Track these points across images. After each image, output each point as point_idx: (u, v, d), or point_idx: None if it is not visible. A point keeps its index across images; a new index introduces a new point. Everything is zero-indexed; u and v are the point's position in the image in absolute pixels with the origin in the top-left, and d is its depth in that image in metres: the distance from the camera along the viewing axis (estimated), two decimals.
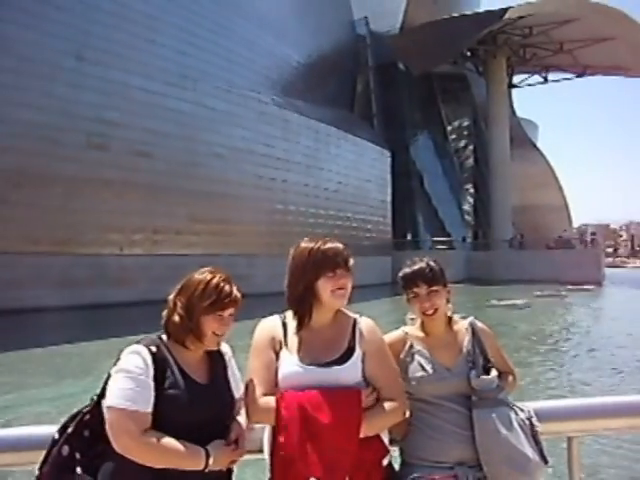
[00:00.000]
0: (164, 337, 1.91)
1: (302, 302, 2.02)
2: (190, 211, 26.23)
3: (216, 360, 1.98)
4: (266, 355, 2.01)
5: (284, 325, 2.06)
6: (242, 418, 1.97)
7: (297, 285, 2.02)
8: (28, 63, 20.35)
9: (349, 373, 1.96)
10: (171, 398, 1.80)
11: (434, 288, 2.19)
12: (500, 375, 2.17)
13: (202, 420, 1.82)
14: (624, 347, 13.73)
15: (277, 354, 2.01)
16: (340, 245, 2.05)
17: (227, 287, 1.91)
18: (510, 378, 2.26)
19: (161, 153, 25.02)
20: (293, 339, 2.03)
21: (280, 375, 1.97)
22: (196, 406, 1.82)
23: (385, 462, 1.97)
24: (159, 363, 1.82)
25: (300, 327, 2.03)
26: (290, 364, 1.98)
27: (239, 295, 1.93)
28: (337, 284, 2.00)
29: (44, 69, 20.98)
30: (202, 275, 1.91)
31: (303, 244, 2.05)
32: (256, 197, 30.35)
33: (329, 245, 2.04)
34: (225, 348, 2.04)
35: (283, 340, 2.03)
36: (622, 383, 9.92)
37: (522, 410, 2.13)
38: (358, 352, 2.01)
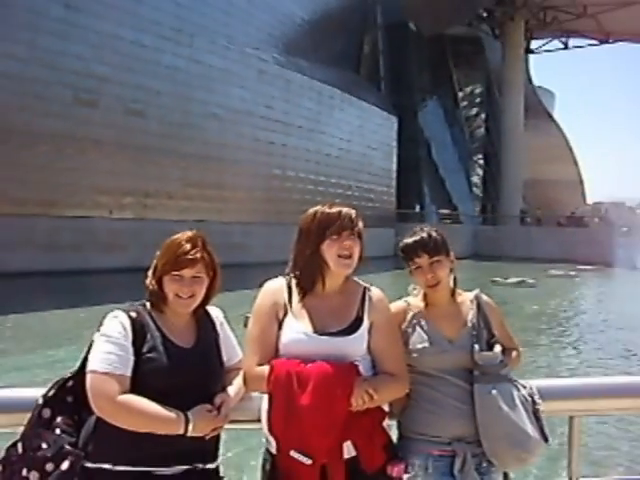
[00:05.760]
0: (148, 304, 1.97)
1: (309, 267, 2.01)
2: (183, 174, 26.27)
3: (204, 324, 2.01)
4: (266, 321, 1.99)
5: (289, 289, 2.05)
6: (235, 385, 1.98)
7: (304, 250, 2.03)
8: (9, 10, 19.96)
9: (355, 345, 1.96)
10: (150, 361, 1.84)
11: (436, 258, 2.19)
12: (504, 351, 2.17)
13: (183, 384, 1.84)
14: (635, 329, 13.89)
15: (280, 320, 2.00)
16: (348, 209, 2.09)
17: (187, 246, 1.91)
18: (514, 354, 2.27)
19: (154, 112, 24.99)
20: (298, 305, 2.01)
21: (282, 342, 1.97)
22: (176, 370, 1.85)
23: (385, 424, 2.01)
24: (138, 328, 1.87)
25: (307, 293, 2.03)
26: (293, 331, 1.96)
27: (199, 255, 1.92)
28: (342, 247, 2.00)
29: (28, 17, 20.60)
30: (173, 236, 1.96)
31: (311, 209, 2.08)
32: (254, 161, 30.12)
33: (335, 208, 2.07)
34: (215, 312, 2.08)
35: (288, 305, 2.01)
36: (631, 365, 10.07)
37: (524, 387, 2.14)
38: (366, 323, 2.01)
